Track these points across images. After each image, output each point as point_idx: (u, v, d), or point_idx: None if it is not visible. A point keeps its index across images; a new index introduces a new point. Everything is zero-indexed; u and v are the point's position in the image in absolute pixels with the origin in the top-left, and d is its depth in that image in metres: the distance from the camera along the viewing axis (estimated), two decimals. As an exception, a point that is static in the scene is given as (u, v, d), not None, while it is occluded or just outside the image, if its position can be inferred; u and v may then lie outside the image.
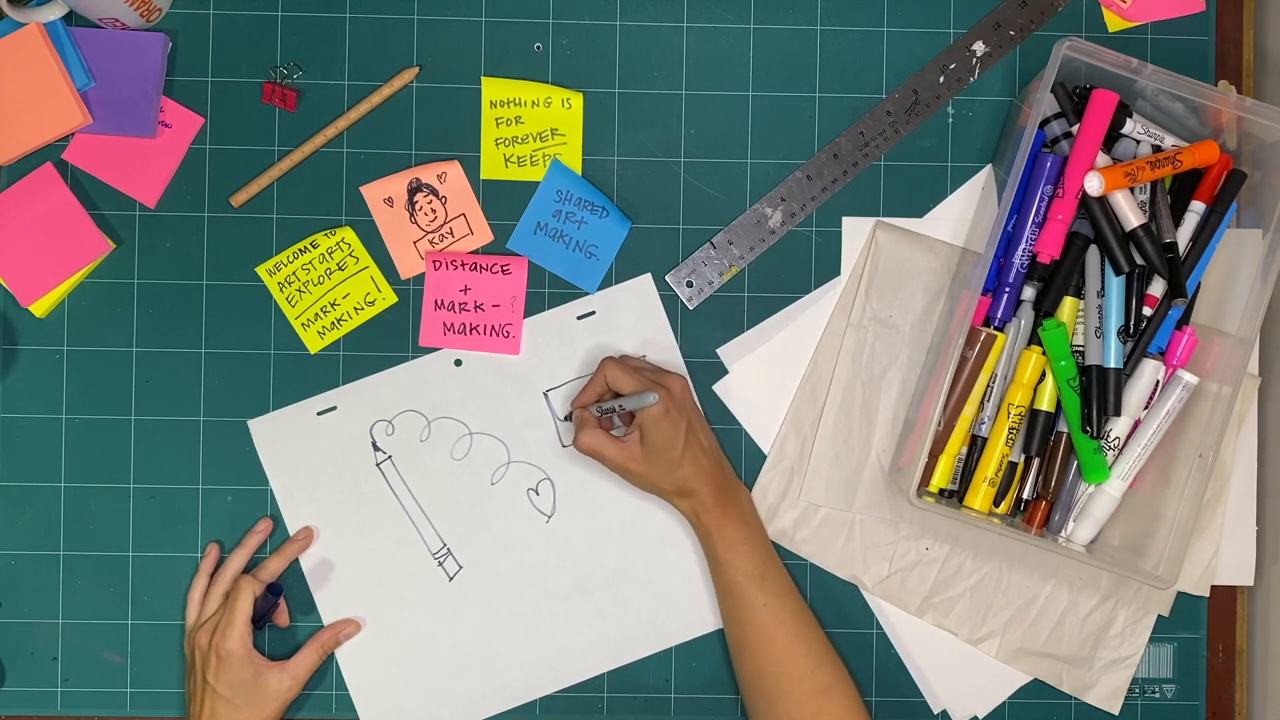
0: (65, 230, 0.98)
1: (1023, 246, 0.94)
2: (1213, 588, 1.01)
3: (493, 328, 1.00)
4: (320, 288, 1.00)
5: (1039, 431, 0.95)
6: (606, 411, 0.94)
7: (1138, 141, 0.96)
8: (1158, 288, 0.95)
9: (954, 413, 0.94)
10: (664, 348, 1.00)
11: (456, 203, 1.00)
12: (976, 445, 0.96)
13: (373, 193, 1.00)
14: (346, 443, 1.00)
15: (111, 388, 1.00)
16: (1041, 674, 1.00)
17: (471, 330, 1.00)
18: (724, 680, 1.01)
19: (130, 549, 1.00)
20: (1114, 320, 0.93)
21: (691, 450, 0.93)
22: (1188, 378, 0.94)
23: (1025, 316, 0.95)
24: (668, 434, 0.92)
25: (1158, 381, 0.95)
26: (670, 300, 1.01)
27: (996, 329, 0.95)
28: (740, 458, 1.01)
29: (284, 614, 0.99)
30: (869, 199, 1.01)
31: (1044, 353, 0.94)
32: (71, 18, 0.98)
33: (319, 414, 1.00)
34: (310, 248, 1.00)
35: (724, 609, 0.96)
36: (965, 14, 1.01)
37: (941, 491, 0.96)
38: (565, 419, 1.00)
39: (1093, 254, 0.95)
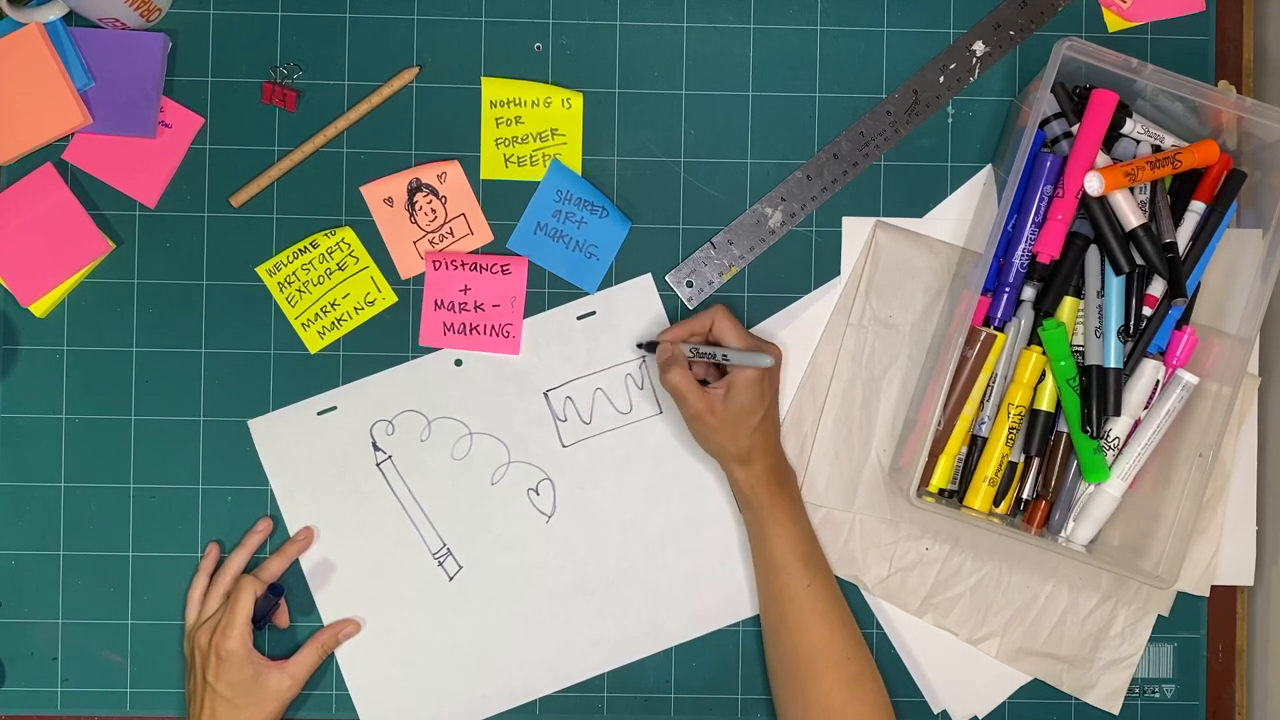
0: (65, 230, 0.98)
1: (1023, 246, 0.94)
2: (1213, 588, 1.01)
3: (493, 328, 1.00)
4: (320, 288, 1.00)
5: (1039, 431, 0.95)
6: (705, 354, 0.94)
7: (1138, 141, 0.96)
8: (1158, 288, 0.95)
9: (954, 413, 0.94)
10: (664, 348, 1.00)
11: (456, 203, 1.00)
12: (976, 445, 0.96)
13: (373, 193, 1.00)
14: (346, 443, 1.00)
15: (111, 388, 1.00)
16: (1041, 674, 1.00)
17: (471, 330, 1.00)
18: (724, 680, 1.01)
19: (130, 549, 1.00)
20: (1114, 320, 0.93)
21: (766, 424, 0.94)
22: (1188, 378, 0.94)
23: (1025, 316, 0.95)
24: (754, 400, 0.93)
25: (1158, 381, 0.95)
26: (670, 300, 1.01)
27: (996, 329, 0.95)
28: (740, 458, 1.01)
29: (284, 614, 0.99)
30: (869, 199, 1.01)
31: (1044, 353, 0.94)
32: (71, 18, 0.98)
33: (319, 414, 1.00)
34: (310, 248, 1.00)
35: (765, 586, 0.96)
36: (965, 14, 1.01)
37: (941, 491, 0.96)
38: (640, 346, 0.99)
39: (1093, 254, 0.95)
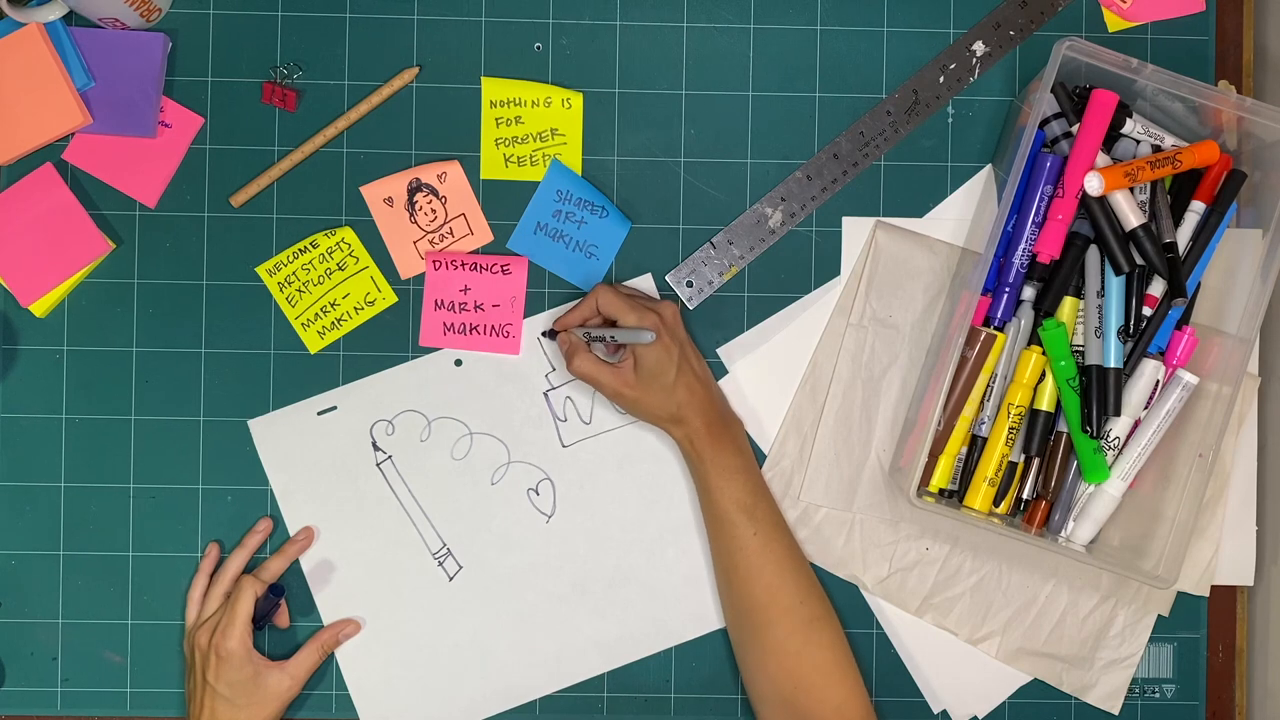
0: (65, 230, 0.98)
1: (1023, 246, 0.94)
2: (1213, 588, 1.01)
3: (493, 328, 1.00)
4: (320, 288, 1.00)
5: (1039, 431, 0.95)
6: (596, 338, 0.94)
7: (1138, 141, 0.96)
8: (1158, 288, 0.95)
9: (954, 413, 0.94)
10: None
11: (456, 203, 1.00)
12: (976, 445, 0.96)
13: (373, 193, 1.00)
14: (346, 443, 1.00)
15: (111, 388, 1.00)
16: (1041, 674, 1.00)
17: (471, 330, 1.00)
18: (724, 680, 1.01)
19: (130, 549, 1.00)
20: (1114, 320, 0.93)
21: (685, 376, 0.94)
22: (1188, 378, 0.94)
23: (1025, 316, 0.95)
24: (661, 360, 0.93)
25: (1158, 381, 0.95)
26: (670, 300, 1.01)
27: (996, 329, 0.95)
28: (740, 458, 1.01)
29: (284, 615, 0.99)
30: (869, 199, 1.01)
31: (1044, 353, 0.94)
32: (71, 18, 0.98)
33: (319, 414, 1.00)
34: (310, 248, 1.00)
35: (713, 539, 0.96)
36: (965, 14, 1.01)
37: (941, 491, 0.96)
38: (545, 334, 0.99)
39: (1093, 254, 0.95)
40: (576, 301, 0.97)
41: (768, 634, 0.93)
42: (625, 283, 1.00)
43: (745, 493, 0.94)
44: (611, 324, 0.95)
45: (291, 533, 1.00)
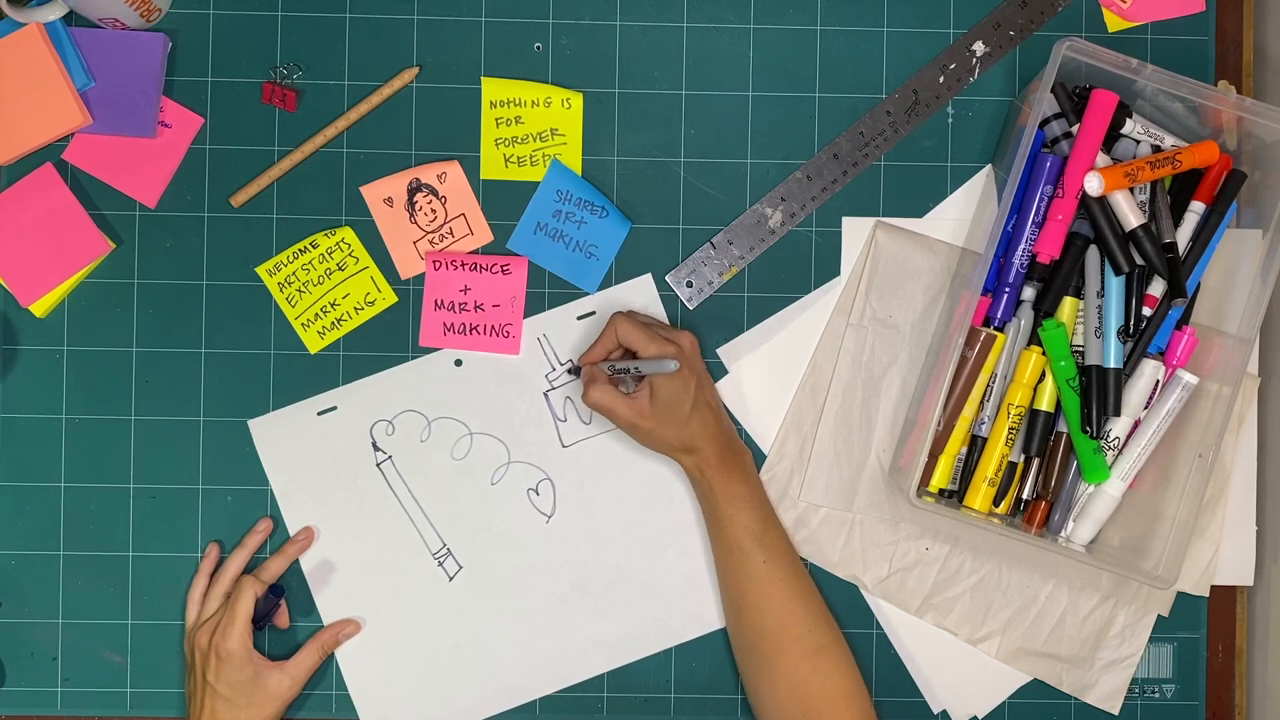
0: (65, 230, 0.98)
1: (1023, 246, 0.94)
2: (1213, 588, 1.01)
3: (493, 328, 1.00)
4: (320, 288, 1.00)
5: (1039, 431, 0.95)
6: (620, 371, 0.94)
7: (1138, 141, 0.96)
8: (1158, 288, 0.95)
9: (954, 413, 0.94)
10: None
11: (456, 203, 1.00)
12: (976, 445, 0.96)
13: (373, 193, 1.00)
14: (346, 443, 1.00)
15: (111, 388, 1.00)
16: (1041, 674, 1.00)
17: (471, 330, 1.00)
18: (724, 680, 1.01)
19: (130, 549, 1.00)
20: (1114, 320, 0.93)
21: (700, 408, 0.93)
22: (1188, 378, 0.94)
23: (1025, 316, 0.95)
24: (678, 391, 0.92)
25: (1158, 381, 0.95)
26: (670, 300, 1.01)
27: (996, 329, 0.95)
28: (740, 458, 1.01)
29: (284, 615, 0.99)
30: (869, 199, 1.01)
31: (1044, 353, 0.94)
32: (71, 18, 0.98)
33: (319, 414, 1.00)
34: (310, 248, 1.00)
35: (722, 567, 0.96)
36: (965, 14, 1.01)
37: (941, 491, 0.96)
38: (570, 371, 1.00)
39: (1093, 254, 0.95)
40: (598, 336, 0.97)
41: (777, 661, 0.93)
42: (622, 285, 1.00)
43: (755, 521, 0.94)
44: (631, 355, 0.95)
45: (291, 533, 1.00)
